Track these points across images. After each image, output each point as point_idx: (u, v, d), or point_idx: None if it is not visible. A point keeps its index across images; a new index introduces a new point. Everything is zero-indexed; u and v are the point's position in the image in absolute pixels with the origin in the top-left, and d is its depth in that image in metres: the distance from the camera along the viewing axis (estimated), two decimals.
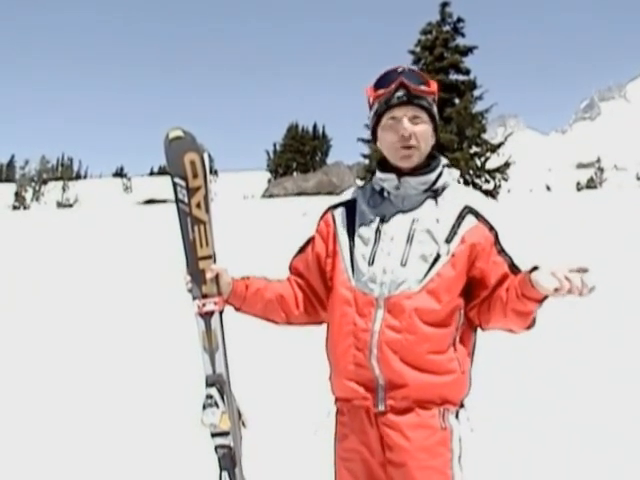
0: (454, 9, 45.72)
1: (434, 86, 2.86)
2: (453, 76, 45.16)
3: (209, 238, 2.96)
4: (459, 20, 45.60)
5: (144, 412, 6.62)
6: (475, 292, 2.82)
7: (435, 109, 2.86)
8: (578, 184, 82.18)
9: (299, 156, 76.59)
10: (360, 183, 47.76)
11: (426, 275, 2.73)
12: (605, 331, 8.92)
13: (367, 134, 49.83)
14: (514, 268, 2.78)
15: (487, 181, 42.93)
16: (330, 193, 42.41)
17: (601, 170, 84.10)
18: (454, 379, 2.80)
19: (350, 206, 2.98)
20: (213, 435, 2.99)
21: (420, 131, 2.78)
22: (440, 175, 2.87)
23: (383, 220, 2.83)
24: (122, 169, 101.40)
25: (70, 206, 52.99)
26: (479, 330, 2.93)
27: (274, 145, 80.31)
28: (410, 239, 2.76)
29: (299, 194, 44.43)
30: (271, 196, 46.85)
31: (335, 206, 3.05)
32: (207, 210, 2.95)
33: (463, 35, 45.78)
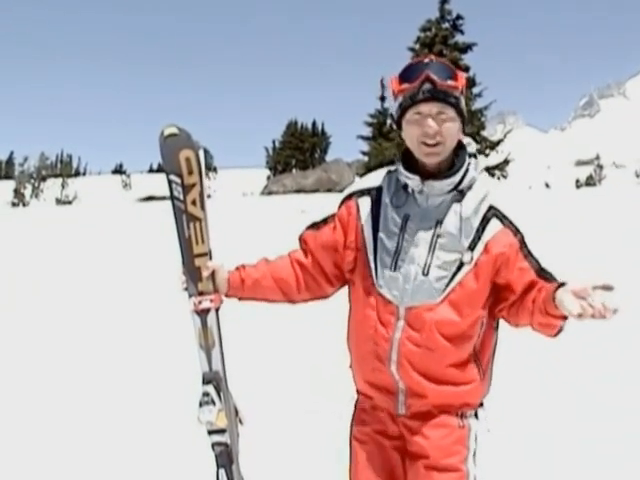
0: (453, 6, 45.89)
1: (462, 79, 2.71)
2: None
3: (205, 235, 2.94)
4: (458, 17, 45.66)
5: (141, 409, 6.63)
6: (503, 296, 2.77)
7: (463, 103, 2.73)
8: (577, 181, 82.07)
9: (298, 153, 76.59)
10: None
11: (448, 285, 2.69)
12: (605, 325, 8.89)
13: (367, 131, 50.10)
14: (542, 272, 2.71)
15: None
16: (329, 190, 42.44)
17: (600, 167, 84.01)
18: (474, 387, 2.83)
19: (376, 198, 2.86)
20: (210, 432, 2.99)
21: (446, 128, 2.64)
22: (466, 172, 2.75)
23: (407, 221, 2.74)
24: (121, 166, 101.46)
25: (69, 203, 52.93)
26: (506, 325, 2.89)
27: (273, 142, 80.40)
28: (433, 245, 2.69)
29: (298, 191, 44.43)
30: (270, 193, 46.86)
31: (360, 193, 2.92)
32: (202, 207, 2.93)
33: (462, 32, 45.86)
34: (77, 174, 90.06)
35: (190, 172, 2.89)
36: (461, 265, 2.68)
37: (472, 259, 2.68)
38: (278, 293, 3.04)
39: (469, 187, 2.75)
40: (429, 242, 2.69)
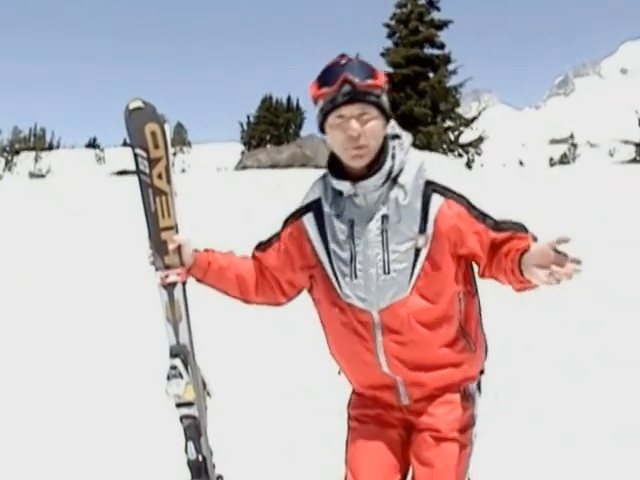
0: None
1: (382, 78, 2.66)
2: (428, 50, 45.12)
3: (171, 209, 2.94)
4: None
5: (110, 381, 6.64)
6: (475, 261, 2.79)
7: (385, 100, 2.67)
8: (551, 159, 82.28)
9: (273, 128, 76.27)
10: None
11: (412, 274, 2.67)
12: (575, 306, 9.01)
13: None
14: (499, 226, 2.70)
15: (460, 155, 43.12)
16: (304, 165, 42.24)
17: (574, 146, 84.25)
18: (469, 361, 2.87)
19: (317, 209, 2.84)
20: (178, 405, 3.00)
21: (369, 128, 2.60)
22: (394, 157, 2.70)
23: (352, 226, 2.71)
24: (95, 140, 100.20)
25: (42, 176, 52.48)
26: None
27: (248, 117, 79.86)
28: (385, 242, 2.66)
29: (272, 166, 44.21)
30: (244, 168, 46.60)
31: (303, 211, 2.89)
32: (169, 181, 2.93)
33: (438, 9, 45.68)
34: (50, 147, 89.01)
35: (156, 146, 2.88)
36: (418, 251, 2.66)
37: (426, 241, 2.65)
38: (236, 289, 3.05)
39: (401, 170, 2.71)
40: (380, 240, 2.67)
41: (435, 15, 45.46)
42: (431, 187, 2.68)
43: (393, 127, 2.77)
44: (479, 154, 43.87)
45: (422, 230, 2.65)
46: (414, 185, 2.68)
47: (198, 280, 3.05)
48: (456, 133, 43.91)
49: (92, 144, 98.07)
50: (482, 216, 2.69)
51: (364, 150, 2.62)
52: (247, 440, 5.28)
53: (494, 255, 2.69)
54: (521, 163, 78.82)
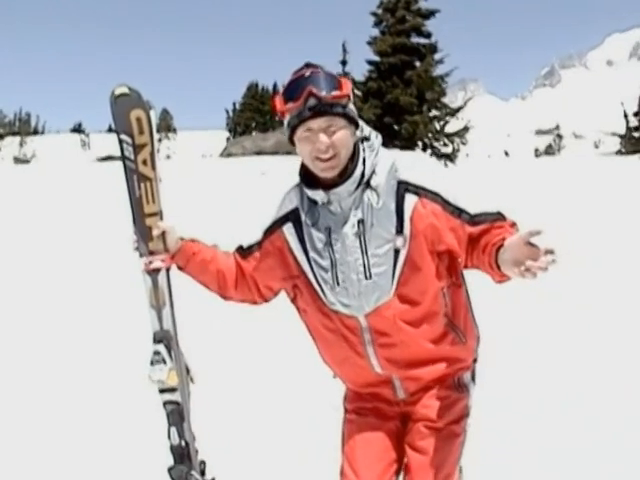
0: None
1: (347, 86, 2.64)
2: (414, 39, 45.15)
3: (155, 195, 2.95)
4: None
5: (92, 367, 6.64)
6: (456, 256, 2.78)
7: (351, 109, 2.65)
8: (536, 150, 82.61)
9: (258, 115, 76.24)
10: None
11: (393, 277, 2.67)
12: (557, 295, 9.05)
13: None
14: (475, 219, 2.69)
15: (445, 145, 43.17)
16: (289, 153, 42.18)
17: (560, 137, 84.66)
18: (459, 353, 2.90)
19: (295, 219, 2.82)
20: (161, 391, 3.01)
21: (338, 139, 2.58)
22: (364, 162, 2.67)
23: (330, 234, 2.70)
24: (80, 125, 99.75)
25: (27, 162, 52.39)
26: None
27: (233, 104, 79.91)
28: (363, 246, 2.65)
29: (258, 153, 44.13)
30: (230, 155, 46.51)
31: (282, 220, 2.87)
32: (153, 167, 2.94)
33: None
34: (35, 132, 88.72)
35: (141, 132, 2.90)
36: (397, 252, 2.65)
37: (404, 242, 2.64)
38: (215, 284, 3.07)
39: (373, 173, 2.69)
40: (358, 245, 2.66)
41: (422, 4, 45.49)
42: (404, 187, 2.68)
43: (362, 128, 2.75)
44: (464, 144, 43.93)
45: (399, 231, 2.65)
46: (387, 186, 2.68)
47: (180, 268, 3.06)
48: (442, 123, 43.93)
49: (77, 129, 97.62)
50: (457, 211, 2.69)
51: (334, 161, 2.60)
52: (230, 426, 5.30)
53: (473, 249, 2.70)
54: (506, 153, 78.96)
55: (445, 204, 2.68)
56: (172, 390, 3.00)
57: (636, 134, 60.40)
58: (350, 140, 2.65)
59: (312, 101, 2.54)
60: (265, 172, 24.97)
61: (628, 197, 19.05)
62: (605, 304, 8.79)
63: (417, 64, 44.60)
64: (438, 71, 44.81)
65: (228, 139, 68.90)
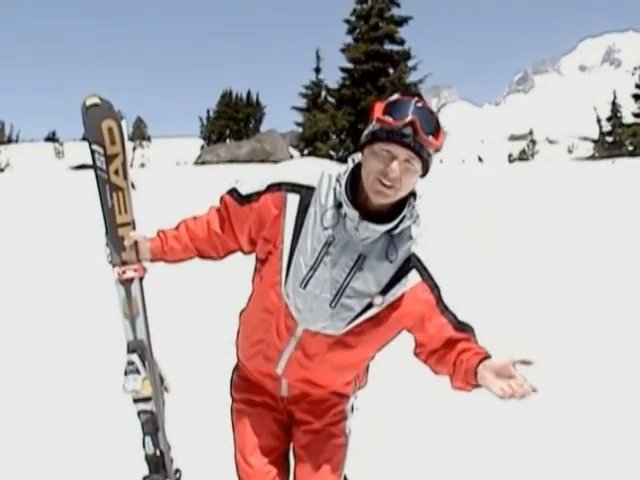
0: None
1: (441, 141, 2.55)
2: (388, 46, 45.34)
3: (128, 205, 2.96)
4: None
5: (67, 377, 6.61)
6: (420, 343, 2.79)
7: (432, 161, 2.56)
8: (510, 156, 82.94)
9: (232, 123, 76.13)
10: (294, 152, 48.11)
11: (352, 322, 2.64)
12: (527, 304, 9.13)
13: (301, 102, 49.95)
14: (460, 326, 2.71)
15: None
16: (263, 161, 42.25)
17: (533, 142, 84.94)
18: (350, 387, 2.99)
19: (305, 202, 2.69)
20: (135, 401, 3.02)
21: (407, 178, 2.48)
22: (403, 219, 2.59)
23: (330, 244, 2.62)
24: (54, 134, 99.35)
25: (1, 170, 52.10)
26: None
27: (207, 112, 79.68)
28: (348, 278, 2.61)
29: (232, 161, 44.19)
30: (204, 163, 46.52)
31: (291, 187, 2.73)
32: (125, 177, 2.94)
33: (398, 5, 45.90)
34: (9, 141, 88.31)
35: (113, 142, 2.90)
36: (370, 306, 2.63)
37: (382, 303, 2.62)
38: (195, 256, 3.08)
39: (401, 232, 2.63)
40: (346, 273, 2.62)
41: (395, 11, 45.66)
42: (414, 261, 2.67)
43: (415, 198, 2.66)
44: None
45: (384, 292, 2.62)
46: (401, 252, 2.65)
47: (165, 261, 3.08)
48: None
49: (51, 138, 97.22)
50: (447, 311, 2.70)
51: (392, 191, 2.49)
52: (205, 434, 5.29)
53: (445, 352, 2.72)
54: (480, 159, 79.16)
55: (439, 300, 2.70)
56: (146, 400, 3.01)
57: (609, 139, 60.90)
58: (413, 186, 2.58)
59: (409, 130, 2.44)
60: (239, 180, 24.93)
61: (601, 201, 19.21)
62: (582, 309, 8.88)
63: (390, 71, 44.79)
64: (412, 78, 45.05)
65: (202, 147, 68.81)
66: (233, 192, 2.92)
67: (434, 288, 2.68)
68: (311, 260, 2.63)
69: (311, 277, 2.64)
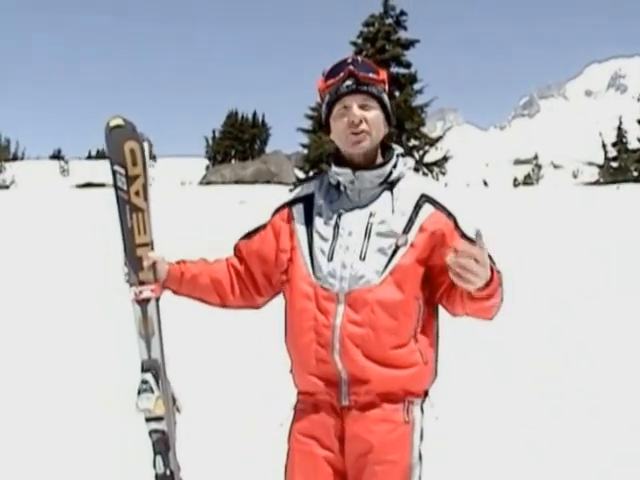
0: (397, 2, 45.84)
1: (383, 74, 2.86)
2: (394, 69, 45.28)
3: (147, 226, 2.99)
4: (402, 13, 45.65)
5: (79, 395, 6.62)
6: (440, 280, 2.79)
7: (386, 97, 2.85)
8: (515, 180, 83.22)
9: (238, 144, 76.43)
10: (300, 173, 48.10)
11: (386, 267, 2.73)
12: (534, 325, 9.16)
13: (307, 124, 49.91)
14: None
15: (425, 174, 43.32)
16: (268, 182, 42.36)
17: (538, 167, 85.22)
18: (417, 371, 2.82)
19: (308, 202, 2.96)
20: (147, 420, 3.02)
21: (370, 117, 2.78)
22: (395, 166, 2.86)
23: (340, 215, 2.82)
24: (60, 151, 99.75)
25: (6, 187, 52.27)
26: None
27: (213, 132, 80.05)
28: (368, 233, 2.76)
29: (237, 182, 44.30)
30: (209, 183, 46.67)
31: (293, 202, 3.00)
32: (146, 198, 2.98)
33: (405, 28, 45.91)
34: (15, 158, 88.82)
35: (134, 163, 2.93)
36: (397, 249, 2.74)
37: (407, 241, 2.75)
38: (213, 294, 3.10)
39: (398, 179, 2.86)
40: (364, 230, 2.77)
41: (402, 34, 45.66)
42: (425, 199, 2.82)
43: (398, 149, 2.94)
44: (443, 174, 44.11)
45: (406, 231, 2.76)
46: (408, 194, 2.82)
47: (174, 292, 3.10)
48: (421, 152, 44.09)
49: (57, 155, 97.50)
50: (466, 237, 2.75)
51: (363, 135, 2.77)
52: (215, 455, 5.29)
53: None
54: (485, 183, 79.39)
55: (457, 226, 2.82)
56: (159, 419, 3.01)
57: (614, 164, 61.03)
58: (382, 124, 2.86)
59: (350, 80, 2.77)
60: (244, 201, 25.01)
61: (604, 227, 19.22)
62: (586, 333, 8.92)
63: (396, 94, 44.81)
64: (417, 101, 44.98)
65: (207, 167, 68.97)
66: (243, 237, 3.14)
67: (450, 215, 2.83)
68: (329, 235, 2.82)
69: (334, 248, 2.79)
